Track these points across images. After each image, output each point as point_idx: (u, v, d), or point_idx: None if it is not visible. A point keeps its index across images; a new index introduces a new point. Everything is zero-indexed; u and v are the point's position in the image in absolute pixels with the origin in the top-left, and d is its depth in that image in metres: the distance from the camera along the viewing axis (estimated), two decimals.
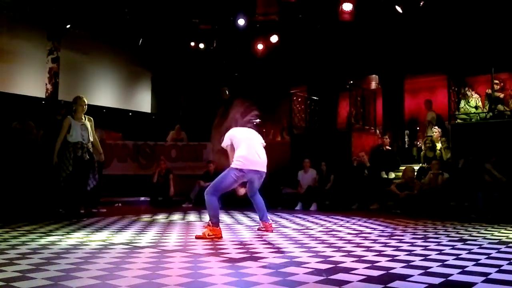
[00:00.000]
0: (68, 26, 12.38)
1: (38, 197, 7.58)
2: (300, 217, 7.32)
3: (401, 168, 10.11)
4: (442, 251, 3.84)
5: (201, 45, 13.33)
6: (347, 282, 2.70)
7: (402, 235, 4.96)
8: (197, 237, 4.70)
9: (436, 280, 2.75)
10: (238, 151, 5.04)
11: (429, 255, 3.65)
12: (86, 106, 6.91)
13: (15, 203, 7.31)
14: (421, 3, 10.18)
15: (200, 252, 3.80)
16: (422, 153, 10.42)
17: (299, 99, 12.26)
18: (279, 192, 10.04)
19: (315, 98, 12.46)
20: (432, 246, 4.15)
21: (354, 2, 10.54)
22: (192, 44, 13.41)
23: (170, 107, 15.46)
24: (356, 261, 3.35)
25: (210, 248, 4.05)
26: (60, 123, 7.26)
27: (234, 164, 4.98)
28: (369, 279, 2.77)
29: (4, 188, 7.36)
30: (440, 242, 4.43)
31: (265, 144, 5.45)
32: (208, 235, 4.72)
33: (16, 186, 7.51)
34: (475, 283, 2.69)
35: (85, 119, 6.85)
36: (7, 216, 6.79)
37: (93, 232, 5.18)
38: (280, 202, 9.82)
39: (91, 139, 6.85)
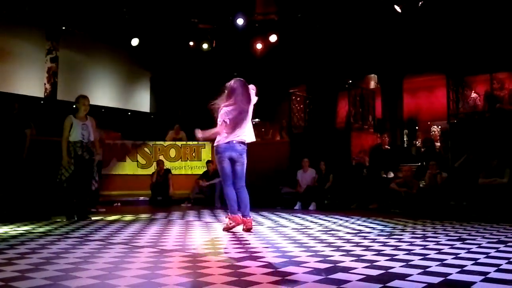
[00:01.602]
0: (66, 26, 12.37)
1: (38, 196, 7.59)
2: (299, 217, 7.32)
3: (400, 167, 10.12)
4: (441, 251, 3.84)
5: (205, 46, 13.29)
6: (346, 281, 2.70)
7: (401, 235, 4.96)
8: (224, 229, 5.22)
9: (435, 280, 2.75)
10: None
11: (428, 254, 3.65)
12: (89, 105, 6.92)
13: (14, 202, 7.32)
14: (420, 3, 10.18)
15: (199, 252, 3.80)
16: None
17: (298, 99, 12.26)
18: (278, 192, 10.06)
19: (314, 97, 12.45)
20: (431, 245, 4.15)
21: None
22: (191, 43, 13.40)
23: (169, 106, 15.45)
24: (355, 261, 3.35)
25: (209, 247, 4.05)
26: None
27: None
28: (368, 279, 2.77)
29: (4, 188, 7.36)
30: (439, 241, 4.43)
31: None
32: (230, 224, 5.20)
33: (16, 185, 7.52)
34: (474, 282, 2.69)
35: (87, 119, 6.85)
36: (7, 215, 6.80)
37: (92, 231, 5.18)
38: (279, 201, 9.84)
39: (91, 139, 6.86)
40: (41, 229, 5.33)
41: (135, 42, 12.93)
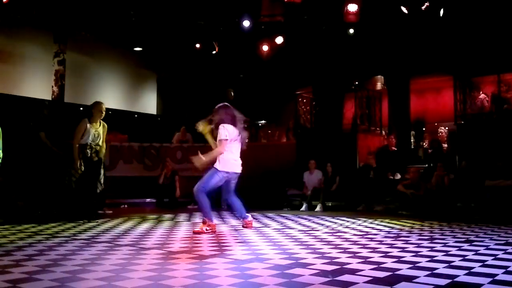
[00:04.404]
0: (74, 28, 12.43)
1: (46, 198, 7.63)
2: (305, 218, 7.31)
3: (407, 169, 10.08)
4: (449, 252, 3.82)
5: (214, 52, 13.34)
6: (353, 283, 2.70)
7: (408, 236, 4.94)
8: (195, 232, 5.16)
9: (443, 282, 2.74)
10: (226, 153, 5.34)
11: (436, 256, 3.64)
12: (104, 112, 6.96)
13: (24, 203, 7.37)
14: (423, 7, 10.12)
15: (205, 254, 3.80)
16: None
17: (305, 100, 12.26)
18: (284, 193, 10.06)
19: (321, 99, 12.43)
20: (439, 247, 4.13)
21: (359, 3, 10.52)
22: (198, 45, 13.43)
23: (175, 108, 15.48)
24: (362, 262, 3.34)
25: (215, 249, 4.06)
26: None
27: (221, 167, 5.34)
28: (375, 281, 2.76)
29: (12, 189, 7.42)
30: (447, 243, 4.41)
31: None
32: (205, 229, 5.20)
33: (25, 187, 7.58)
34: (482, 284, 2.67)
35: (100, 124, 6.89)
36: (14, 217, 6.84)
37: (99, 233, 5.20)
38: (286, 203, 9.84)
39: (100, 144, 6.91)
40: (48, 231, 5.36)
41: (138, 49, 13.21)
